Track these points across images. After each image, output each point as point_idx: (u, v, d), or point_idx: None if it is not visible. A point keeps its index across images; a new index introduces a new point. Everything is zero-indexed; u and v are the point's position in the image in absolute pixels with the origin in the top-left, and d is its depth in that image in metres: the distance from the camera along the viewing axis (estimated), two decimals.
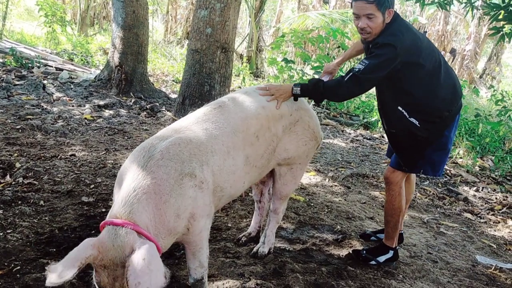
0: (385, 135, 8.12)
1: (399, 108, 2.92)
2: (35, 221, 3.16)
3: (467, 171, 6.48)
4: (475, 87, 16.21)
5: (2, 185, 3.67)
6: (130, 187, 2.00)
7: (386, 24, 2.85)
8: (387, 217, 3.25)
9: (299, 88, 2.80)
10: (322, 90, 2.81)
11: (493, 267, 3.53)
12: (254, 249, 3.12)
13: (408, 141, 3.00)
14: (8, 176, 3.85)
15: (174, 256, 2.97)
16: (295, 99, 2.84)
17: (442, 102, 2.90)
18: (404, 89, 2.88)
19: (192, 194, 2.12)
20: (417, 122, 2.90)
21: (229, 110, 2.52)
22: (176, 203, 2.06)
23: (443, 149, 3.03)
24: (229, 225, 3.58)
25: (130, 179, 2.04)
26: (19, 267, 2.60)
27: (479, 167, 6.88)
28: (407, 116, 2.91)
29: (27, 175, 3.89)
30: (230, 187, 2.41)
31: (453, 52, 20.49)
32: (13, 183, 3.74)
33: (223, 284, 2.69)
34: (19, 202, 3.40)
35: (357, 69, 2.79)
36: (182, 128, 2.34)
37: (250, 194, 3.90)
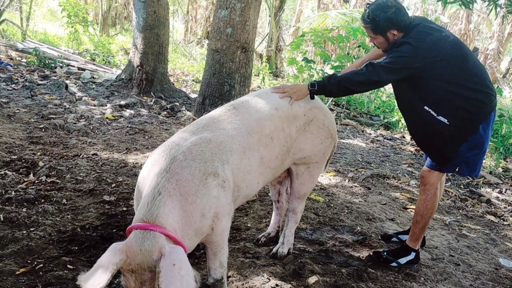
0: (406, 135, 8.04)
1: (426, 107, 2.88)
2: (58, 219, 3.20)
3: (490, 173, 6.37)
4: (498, 86, 15.93)
5: (25, 183, 3.73)
6: (155, 191, 1.99)
7: (406, 32, 2.92)
8: (417, 217, 3.20)
9: (315, 84, 2.81)
10: (338, 81, 2.82)
11: None
12: (274, 250, 3.12)
13: (437, 141, 2.95)
14: (31, 175, 3.91)
15: (193, 256, 2.98)
16: (312, 98, 2.83)
17: (471, 95, 2.83)
18: (429, 86, 2.84)
19: (215, 193, 2.13)
20: (446, 120, 2.84)
21: (244, 111, 2.53)
22: (202, 203, 2.06)
23: (479, 148, 2.94)
24: (249, 225, 3.58)
25: (154, 183, 2.03)
26: (41, 265, 2.63)
27: (502, 168, 6.76)
28: (435, 115, 2.86)
29: (50, 173, 3.95)
30: (246, 187, 2.42)
31: (475, 51, 20.16)
32: (36, 181, 3.80)
33: (243, 284, 2.69)
34: (42, 200, 3.45)
35: (374, 61, 2.89)
36: (199, 128, 2.35)
37: (269, 194, 3.90)
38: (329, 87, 2.83)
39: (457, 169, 3.02)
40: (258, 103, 2.62)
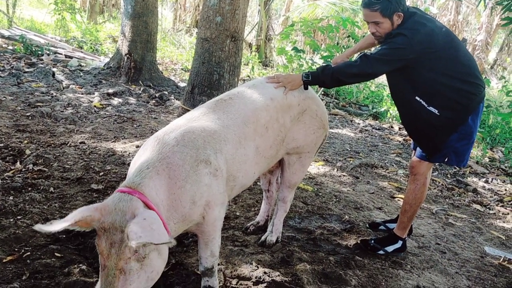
0: (394, 125, 8.09)
1: (417, 98, 2.89)
2: (45, 207, 3.18)
3: (477, 162, 6.44)
4: (486, 77, 16.04)
5: (12, 171, 3.70)
6: (144, 165, 2.02)
7: (402, 21, 2.85)
8: (405, 206, 3.23)
9: (309, 75, 2.80)
10: (331, 72, 2.82)
11: (502, 259, 3.52)
12: (262, 238, 3.13)
13: (428, 131, 2.97)
14: (18, 163, 3.88)
15: (182, 244, 2.99)
16: (305, 88, 2.84)
17: (462, 87, 2.83)
18: (421, 77, 2.84)
19: (207, 181, 2.14)
20: (437, 111, 2.85)
21: (239, 102, 2.54)
22: (192, 190, 2.07)
23: (467, 139, 2.97)
24: (238, 213, 3.59)
25: (144, 160, 2.06)
26: (29, 253, 2.62)
27: (489, 158, 6.83)
28: (426, 106, 2.87)
29: (37, 162, 3.92)
30: (242, 176, 2.43)
31: (464, 42, 20.20)
32: (23, 169, 3.76)
33: (231, 272, 2.71)
34: (29, 188, 3.43)
35: (368, 53, 2.85)
36: (194, 117, 2.37)
37: (258, 183, 3.91)
38: (322, 78, 2.84)
39: (446, 159, 3.05)
40: (253, 94, 2.63)
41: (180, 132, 2.19)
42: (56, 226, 1.70)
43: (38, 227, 1.70)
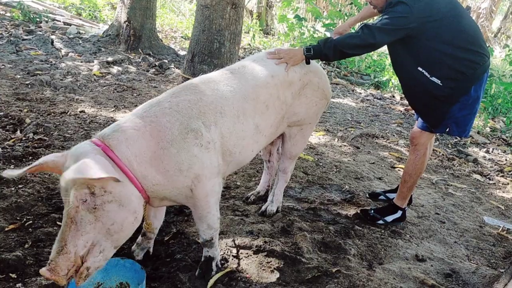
0: (395, 95, 8.04)
1: (419, 68, 2.84)
2: (46, 176, 3.19)
3: (478, 132, 6.42)
4: (489, 46, 15.85)
5: (12, 140, 3.70)
6: (124, 119, 2.04)
7: None
8: (405, 177, 3.23)
9: (311, 49, 2.74)
10: (333, 45, 2.75)
11: (501, 228, 3.55)
12: (263, 208, 3.15)
13: (430, 101, 2.93)
14: (18, 132, 3.87)
15: (183, 213, 3.00)
16: (307, 62, 2.78)
17: (465, 56, 2.79)
18: (423, 47, 2.79)
19: (196, 152, 2.09)
20: (439, 81, 2.81)
21: (240, 77, 2.48)
22: (179, 156, 2.03)
23: (469, 109, 2.93)
24: (238, 183, 3.60)
25: (129, 115, 2.08)
26: (31, 222, 2.64)
27: (490, 128, 6.82)
28: (429, 76, 2.83)
29: (37, 131, 3.91)
30: (239, 153, 2.38)
31: (468, 9, 19.89)
32: (24, 138, 3.76)
33: (232, 241, 2.73)
34: (30, 157, 3.43)
35: (370, 23, 2.80)
36: (192, 86, 2.32)
37: (259, 153, 3.91)
38: (325, 51, 2.77)
39: (447, 130, 3.03)
40: (254, 69, 2.57)
41: (176, 99, 2.17)
42: (23, 169, 1.75)
43: (6, 173, 1.74)
